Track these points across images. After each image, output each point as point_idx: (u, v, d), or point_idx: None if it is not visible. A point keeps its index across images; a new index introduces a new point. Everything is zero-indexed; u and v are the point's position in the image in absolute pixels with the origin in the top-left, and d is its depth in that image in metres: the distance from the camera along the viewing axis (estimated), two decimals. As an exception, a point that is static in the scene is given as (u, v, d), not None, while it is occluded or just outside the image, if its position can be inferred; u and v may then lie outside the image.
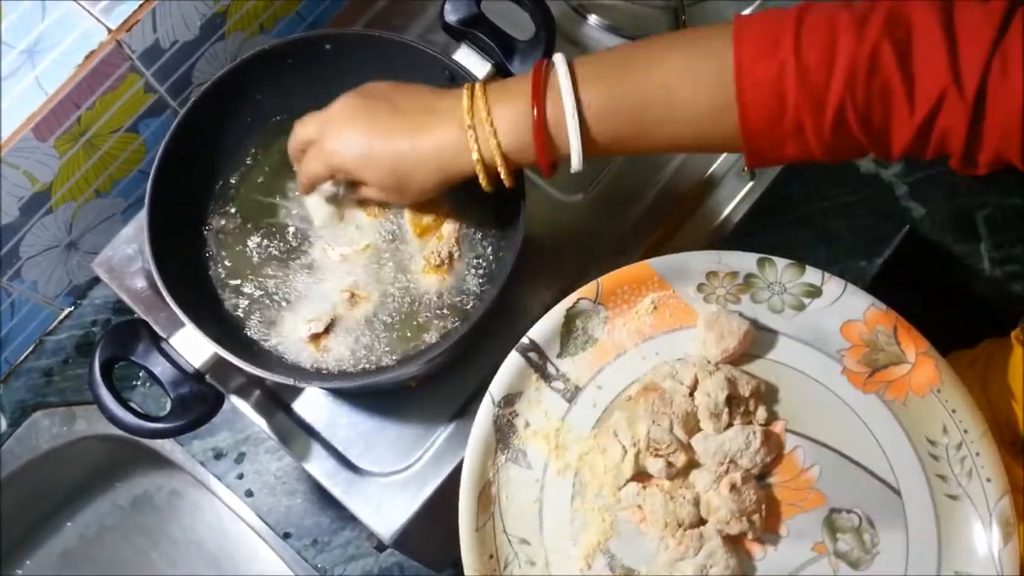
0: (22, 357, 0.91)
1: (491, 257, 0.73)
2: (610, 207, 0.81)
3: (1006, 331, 0.75)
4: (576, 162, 0.60)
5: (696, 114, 0.56)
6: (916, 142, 0.52)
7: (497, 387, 0.63)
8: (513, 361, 0.64)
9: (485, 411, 0.63)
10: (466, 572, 0.60)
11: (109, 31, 0.72)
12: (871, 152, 0.55)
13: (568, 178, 0.82)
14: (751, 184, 0.85)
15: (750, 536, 0.61)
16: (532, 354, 0.64)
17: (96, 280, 0.91)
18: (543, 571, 0.62)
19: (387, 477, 0.74)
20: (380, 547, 0.75)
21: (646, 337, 0.66)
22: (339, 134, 0.63)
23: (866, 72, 0.50)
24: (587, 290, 0.65)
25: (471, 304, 0.72)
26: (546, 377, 0.64)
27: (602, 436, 0.63)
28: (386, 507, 0.73)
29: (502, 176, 0.62)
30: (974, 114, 0.49)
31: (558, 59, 0.59)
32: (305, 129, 0.67)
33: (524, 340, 0.64)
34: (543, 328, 0.64)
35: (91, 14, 0.71)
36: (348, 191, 0.72)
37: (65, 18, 0.71)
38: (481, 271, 0.73)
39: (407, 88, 0.65)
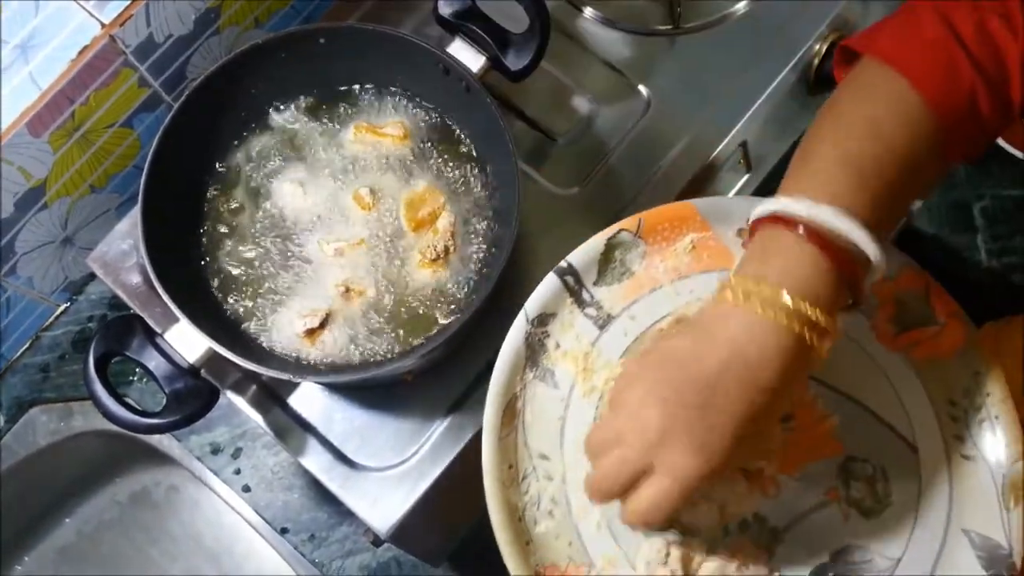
0: (18, 353, 0.91)
1: (486, 251, 0.73)
2: (605, 200, 0.81)
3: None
4: (878, 260, 0.53)
5: (911, 148, 0.54)
6: None
7: (532, 305, 0.64)
8: (550, 282, 0.65)
9: (518, 327, 0.64)
10: (484, 477, 0.61)
11: (103, 26, 0.72)
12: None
13: (563, 171, 0.83)
14: (747, 176, 0.85)
15: (766, 472, 0.62)
16: (569, 278, 0.65)
17: (92, 276, 0.91)
18: (559, 486, 0.62)
19: (383, 471, 0.74)
20: (377, 542, 0.75)
21: (682, 275, 0.66)
22: (694, 449, 0.51)
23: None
24: (629, 223, 0.66)
25: (466, 298, 0.72)
26: (580, 303, 0.65)
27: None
28: (382, 502, 0.73)
29: (825, 326, 0.51)
30: None
31: (788, 203, 0.52)
32: (629, 468, 0.53)
33: (563, 263, 0.65)
34: (582, 254, 0.65)
35: (84, 9, 0.71)
36: None
37: (59, 13, 0.71)
38: (476, 265, 0.73)
39: (684, 354, 0.53)
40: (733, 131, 0.82)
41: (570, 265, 0.65)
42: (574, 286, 0.65)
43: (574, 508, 0.62)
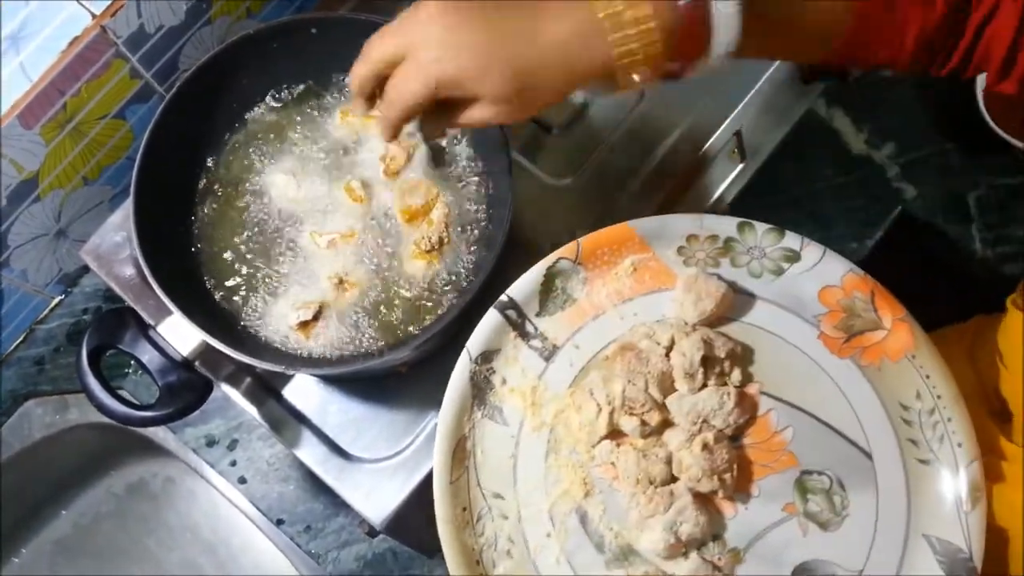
0: (13, 346, 0.91)
1: (480, 242, 0.73)
2: (599, 191, 0.81)
3: (999, 311, 0.75)
4: (725, 54, 0.52)
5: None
6: (969, 45, 0.53)
7: (475, 343, 0.63)
8: (491, 318, 0.64)
9: (462, 367, 0.63)
10: (439, 522, 0.61)
11: (93, 16, 0.71)
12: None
13: (557, 162, 0.82)
14: (742, 166, 0.85)
15: (721, 495, 0.62)
16: (511, 312, 0.64)
17: (86, 268, 0.90)
18: (515, 525, 0.62)
19: (378, 463, 0.74)
20: (372, 533, 0.75)
21: (625, 298, 0.66)
22: (441, 39, 0.52)
23: None
24: (567, 250, 0.65)
25: (460, 289, 0.72)
26: (524, 335, 0.65)
27: (578, 394, 0.64)
28: (377, 493, 0.73)
29: (640, 71, 0.52)
30: (1021, 22, 0.50)
31: None
32: (383, 46, 0.55)
33: (503, 298, 0.64)
34: (522, 286, 0.64)
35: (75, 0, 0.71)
36: (427, 122, 0.60)
37: (49, 4, 0.71)
38: (470, 256, 0.73)
39: None
40: (727, 121, 0.82)
41: (511, 299, 0.64)
42: (516, 319, 0.64)
43: (532, 546, 0.62)
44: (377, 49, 0.55)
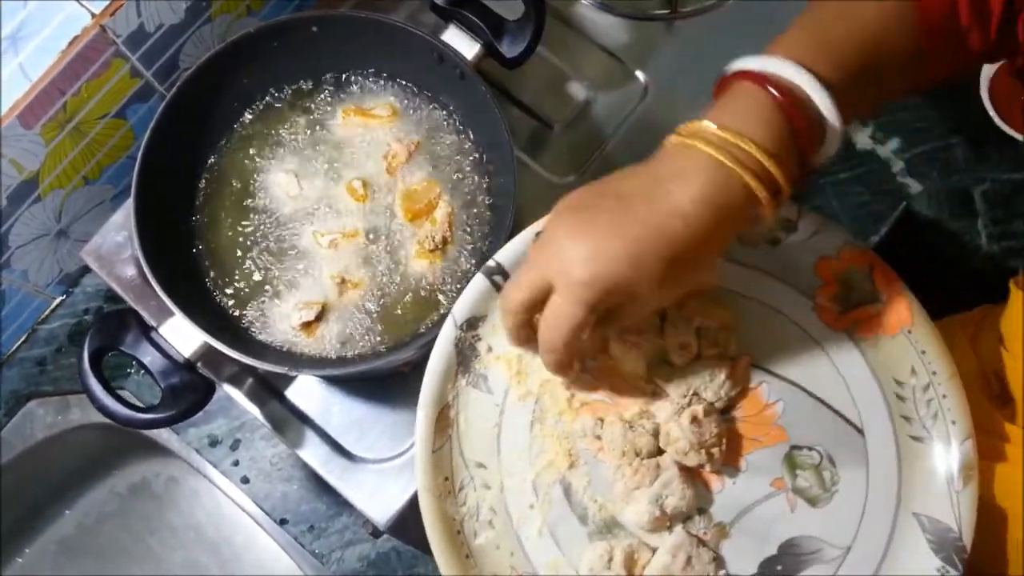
0: (15, 347, 0.90)
1: (483, 240, 0.73)
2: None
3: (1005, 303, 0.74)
4: (834, 120, 0.51)
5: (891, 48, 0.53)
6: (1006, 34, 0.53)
7: (460, 309, 0.62)
8: (478, 284, 0.62)
9: (447, 333, 0.62)
10: (419, 491, 0.60)
11: (93, 16, 0.71)
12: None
13: (560, 159, 0.82)
14: (746, 163, 0.84)
15: (708, 468, 0.61)
16: (498, 277, 0.62)
17: (87, 268, 0.90)
18: (498, 495, 0.61)
19: (381, 464, 0.74)
20: (376, 533, 0.75)
21: None
22: (586, 254, 0.49)
23: None
24: None
25: (462, 287, 0.71)
26: None
27: None
28: (381, 494, 0.73)
29: (780, 182, 0.50)
30: None
31: (748, 59, 0.52)
32: (524, 285, 0.52)
33: (490, 263, 0.62)
34: (510, 251, 0.63)
35: (74, -1, 0.70)
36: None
37: (48, 3, 0.70)
38: (473, 255, 0.72)
39: (606, 181, 0.52)
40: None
41: (498, 264, 0.62)
42: (504, 285, 0.63)
43: (514, 517, 0.61)
44: (519, 292, 0.53)
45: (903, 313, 0.62)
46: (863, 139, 0.94)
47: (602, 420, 0.62)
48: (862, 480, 0.61)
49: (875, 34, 0.53)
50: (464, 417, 0.62)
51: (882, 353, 0.63)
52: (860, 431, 0.62)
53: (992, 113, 0.92)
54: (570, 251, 0.50)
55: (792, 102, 0.49)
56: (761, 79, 0.50)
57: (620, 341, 0.61)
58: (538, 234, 0.63)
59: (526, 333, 0.55)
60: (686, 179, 0.49)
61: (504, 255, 0.62)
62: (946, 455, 0.61)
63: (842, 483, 0.61)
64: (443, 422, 0.61)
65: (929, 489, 0.61)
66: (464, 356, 0.62)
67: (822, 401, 0.62)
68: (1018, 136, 0.92)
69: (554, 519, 0.61)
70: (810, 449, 0.62)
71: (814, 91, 0.49)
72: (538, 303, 0.52)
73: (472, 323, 0.62)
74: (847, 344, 0.63)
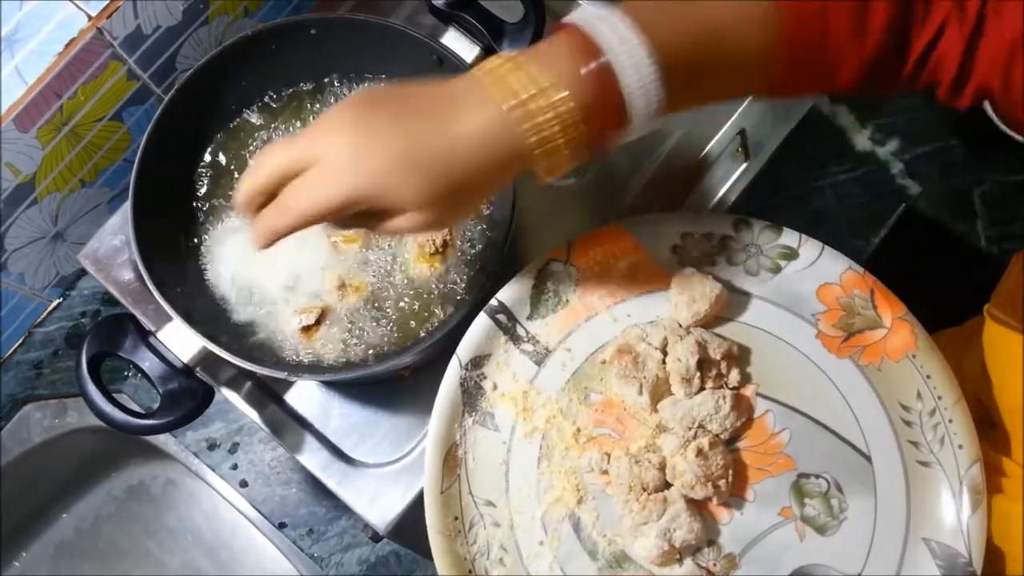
0: (11, 350, 0.90)
1: (483, 244, 0.72)
2: (603, 192, 0.80)
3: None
4: (651, 114, 0.50)
5: (741, 51, 0.52)
6: (916, 68, 0.52)
7: (464, 349, 0.63)
8: (481, 323, 0.63)
9: (452, 373, 0.62)
10: (430, 532, 0.60)
11: (89, 18, 0.70)
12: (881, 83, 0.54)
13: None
14: (745, 165, 0.84)
15: (715, 501, 0.61)
16: (501, 316, 0.63)
17: (84, 271, 0.89)
18: (508, 532, 0.61)
19: (381, 468, 0.74)
20: (375, 537, 0.74)
21: (618, 300, 0.65)
22: (347, 150, 0.48)
23: None
24: (558, 251, 0.64)
25: (463, 291, 0.71)
26: (515, 339, 0.64)
27: (571, 397, 0.63)
28: (380, 498, 0.73)
29: (564, 153, 0.49)
30: (969, 42, 0.50)
31: (601, 8, 0.50)
32: (279, 155, 0.50)
33: (493, 302, 0.63)
34: (513, 290, 0.64)
35: (71, 1, 0.70)
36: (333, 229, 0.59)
37: (44, 6, 0.70)
38: (473, 259, 0.72)
39: (405, 86, 0.51)
40: (731, 119, 0.82)
41: (501, 303, 0.63)
42: (507, 324, 0.64)
43: (525, 554, 0.61)
44: (276, 156, 0.50)
45: (906, 338, 0.63)
46: (862, 141, 0.94)
47: (608, 455, 0.62)
48: (871, 507, 0.62)
49: (728, 23, 0.51)
50: (472, 456, 0.62)
51: (887, 378, 0.63)
52: (867, 458, 0.62)
53: (991, 114, 0.92)
54: (341, 139, 0.48)
55: (606, 78, 0.48)
56: (586, 43, 0.48)
57: (622, 377, 0.62)
58: (540, 271, 0.63)
59: (261, 200, 0.51)
60: (476, 110, 0.48)
61: (506, 294, 0.63)
62: (954, 480, 0.61)
63: (851, 510, 0.61)
64: (451, 461, 0.62)
65: (938, 515, 0.61)
66: (470, 395, 0.63)
67: (828, 428, 0.63)
68: (1017, 137, 0.92)
69: (564, 555, 0.61)
70: (818, 477, 0.62)
71: (642, 67, 0.48)
72: (289, 175, 0.49)
73: (477, 362, 0.63)
74: (852, 370, 0.63)
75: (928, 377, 0.62)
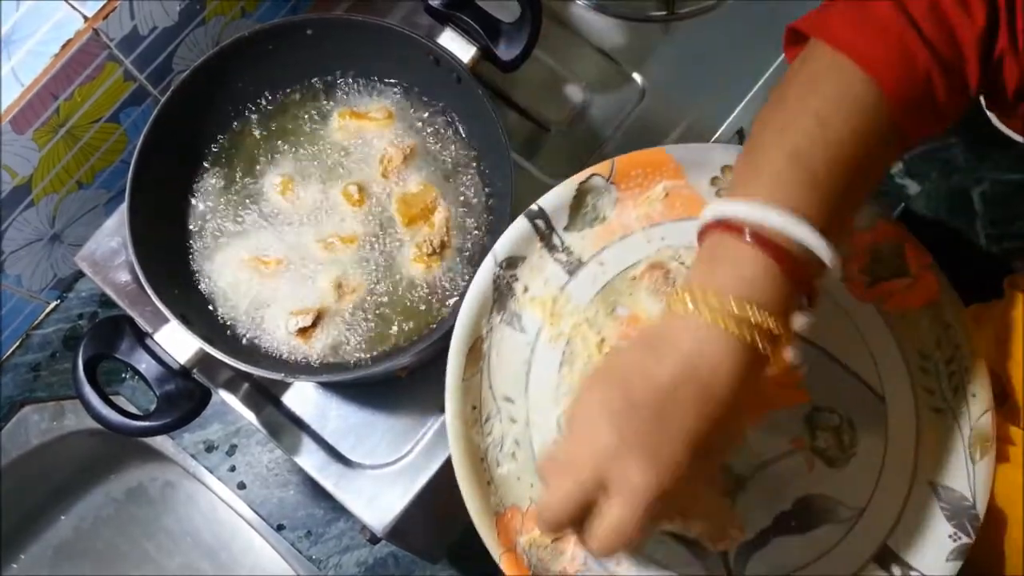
0: (8, 352, 0.90)
1: (480, 245, 0.72)
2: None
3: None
4: (832, 262, 0.50)
5: (861, 138, 0.52)
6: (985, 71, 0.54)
7: (501, 248, 0.63)
8: (520, 225, 0.63)
9: (486, 269, 0.63)
10: (447, 416, 0.61)
11: (85, 19, 0.70)
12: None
13: (556, 161, 0.82)
14: (744, 165, 0.84)
15: None
16: (539, 221, 0.64)
17: (82, 273, 0.89)
18: (523, 429, 0.62)
19: (379, 469, 0.74)
20: (373, 539, 0.74)
21: (654, 222, 0.65)
22: (643, 457, 0.47)
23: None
24: (602, 167, 0.65)
25: (460, 292, 0.71)
26: (550, 247, 0.64)
27: (599, 309, 0.64)
28: (378, 500, 0.72)
29: (779, 335, 0.49)
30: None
31: (735, 206, 0.50)
32: (579, 487, 0.48)
33: (533, 207, 0.64)
34: (553, 198, 0.64)
35: (67, 2, 0.70)
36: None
37: (40, 7, 0.70)
38: (471, 259, 0.72)
39: (632, 363, 0.50)
40: (730, 118, 0.81)
41: (541, 209, 0.64)
42: (544, 230, 0.64)
43: (537, 451, 0.61)
44: (571, 496, 0.48)
45: (931, 288, 0.64)
46: (861, 140, 0.94)
47: None
48: (880, 445, 0.62)
49: (853, 147, 0.51)
50: (496, 352, 0.63)
51: (908, 325, 0.64)
52: (882, 398, 0.63)
53: (991, 114, 0.91)
54: (629, 462, 0.47)
55: (791, 260, 0.48)
56: (756, 236, 0.48)
57: (652, 292, 0.62)
58: (582, 183, 0.63)
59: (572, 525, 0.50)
60: (720, 367, 0.48)
61: (547, 201, 0.64)
62: (965, 427, 0.62)
63: (860, 447, 0.62)
64: (475, 354, 0.62)
65: (946, 459, 0.62)
66: (501, 293, 0.63)
67: (846, 367, 0.63)
68: (1017, 137, 0.91)
69: None
70: (831, 412, 0.63)
71: (811, 241, 0.49)
72: (587, 509, 0.48)
73: (511, 262, 0.63)
74: (874, 315, 0.64)
75: (948, 327, 0.63)
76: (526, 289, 0.64)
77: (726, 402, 0.48)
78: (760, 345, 0.48)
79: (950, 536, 0.61)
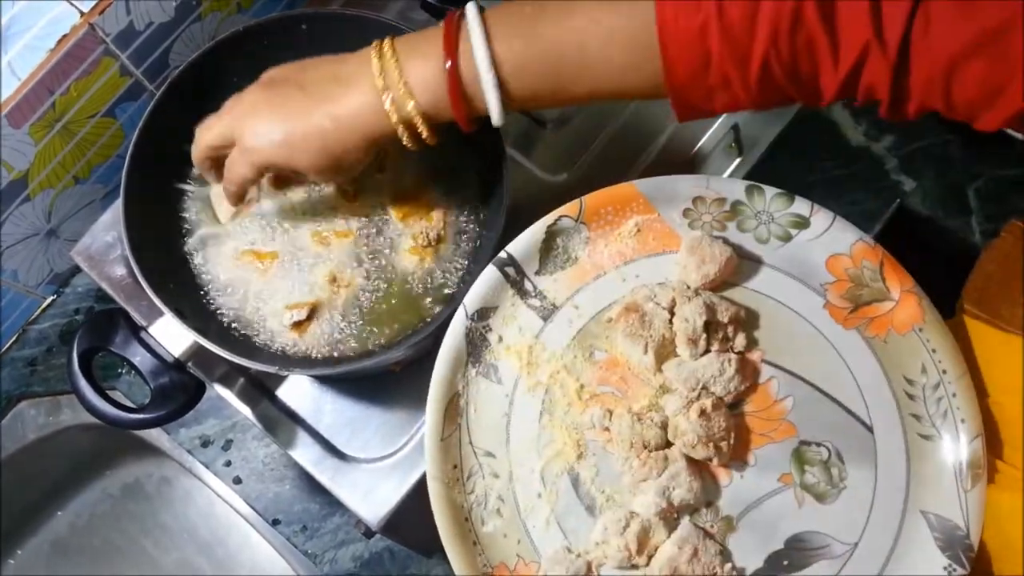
0: (5, 347, 0.90)
1: (475, 239, 0.72)
2: (594, 186, 0.79)
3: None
4: (496, 118, 0.58)
5: (611, 69, 0.55)
6: (843, 93, 0.53)
7: (472, 300, 0.63)
8: (489, 275, 0.63)
9: (458, 323, 0.62)
10: (428, 479, 0.60)
11: (82, 14, 0.71)
12: (800, 101, 0.56)
13: (552, 157, 0.82)
14: (739, 160, 0.84)
15: (716, 462, 0.61)
16: (509, 269, 0.63)
17: (78, 268, 0.90)
18: (506, 484, 0.61)
19: (374, 463, 0.74)
20: (369, 533, 0.74)
21: (627, 259, 0.65)
22: (255, 129, 0.60)
23: (789, 26, 0.50)
24: (570, 208, 0.64)
25: (455, 286, 0.71)
26: (523, 293, 0.64)
27: (576, 354, 0.63)
28: (373, 493, 0.73)
29: (423, 136, 0.59)
30: (897, 69, 0.50)
31: (471, 11, 0.56)
32: (211, 133, 0.63)
33: (502, 255, 0.63)
34: (522, 243, 0.63)
35: (62, -3, 0.70)
36: (267, 188, 0.72)
37: (36, 1, 0.70)
38: (464, 253, 0.72)
39: (308, 63, 0.62)
40: (724, 114, 0.81)
41: (510, 256, 0.63)
42: (515, 277, 0.63)
43: (522, 505, 0.61)
44: (205, 136, 0.63)
45: (914, 311, 0.63)
46: (857, 136, 0.94)
47: (611, 412, 0.62)
48: (870, 477, 0.62)
49: (606, 75, 0.56)
50: (474, 406, 0.62)
51: (892, 351, 0.63)
52: (869, 428, 0.62)
53: (986, 110, 0.91)
54: (245, 121, 0.61)
55: (460, 83, 0.56)
56: (452, 43, 0.56)
57: (628, 335, 0.62)
58: (550, 227, 0.64)
59: (210, 164, 0.65)
60: (350, 97, 0.58)
61: (516, 247, 0.63)
62: (955, 454, 0.61)
63: (850, 480, 0.62)
64: (453, 411, 0.62)
65: (937, 487, 0.61)
66: (475, 346, 0.63)
67: (832, 398, 0.63)
68: (1013, 133, 0.91)
69: (562, 509, 0.61)
70: (819, 445, 0.62)
71: (489, 86, 0.56)
72: (223, 146, 0.62)
73: (483, 313, 0.63)
74: (858, 341, 0.63)
75: (934, 351, 0.62)
76: (500, 339, 0.63)
77: (337, 124, 0.58)
78: (388, 104, 0.57)
79: (944, 568, 0.60)
